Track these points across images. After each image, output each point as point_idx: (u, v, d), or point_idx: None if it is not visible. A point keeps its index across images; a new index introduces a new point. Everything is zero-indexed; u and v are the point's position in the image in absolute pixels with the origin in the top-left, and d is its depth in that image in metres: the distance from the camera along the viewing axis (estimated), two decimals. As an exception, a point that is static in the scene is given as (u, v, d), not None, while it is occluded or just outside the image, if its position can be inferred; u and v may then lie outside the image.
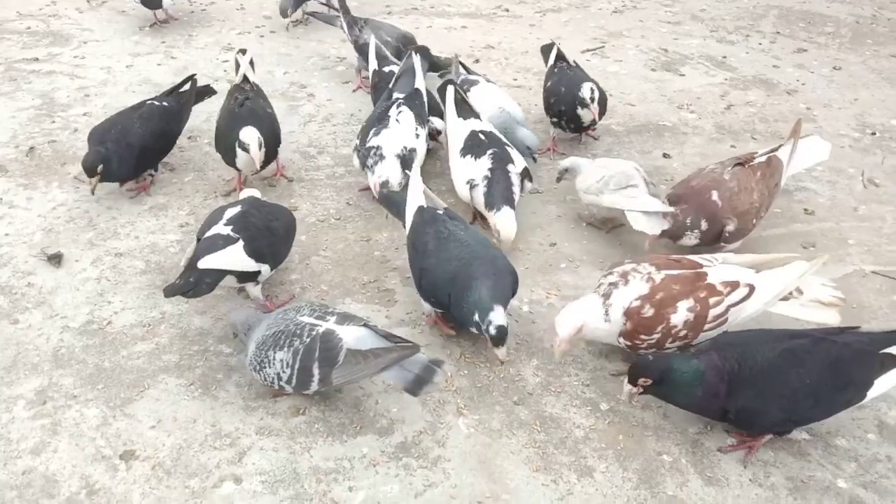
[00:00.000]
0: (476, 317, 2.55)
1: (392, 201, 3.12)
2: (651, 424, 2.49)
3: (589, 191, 3.28)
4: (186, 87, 3.83)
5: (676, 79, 4.92)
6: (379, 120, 3.47)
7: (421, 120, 3.54)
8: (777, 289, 2.55)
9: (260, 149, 3.32)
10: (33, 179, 3.68)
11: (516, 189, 3.26)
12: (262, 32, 5.12)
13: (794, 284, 2.57)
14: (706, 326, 2.52)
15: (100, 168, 3.31)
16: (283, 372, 2.38)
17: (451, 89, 3.64)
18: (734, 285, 2.53)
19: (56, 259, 3.13)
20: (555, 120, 3.94)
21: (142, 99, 3.74)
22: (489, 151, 3.32)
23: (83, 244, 3.24)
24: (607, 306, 2.52)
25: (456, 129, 3.50)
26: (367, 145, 3.38)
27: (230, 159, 3.48)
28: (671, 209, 3.02)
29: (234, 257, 2.72)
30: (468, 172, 3.31)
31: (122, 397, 2.55)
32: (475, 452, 2.39)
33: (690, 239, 3.06)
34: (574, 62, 4.14)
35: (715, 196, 3.01)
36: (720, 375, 2.26)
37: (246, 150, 3.32)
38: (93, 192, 3.39)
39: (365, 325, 2.43)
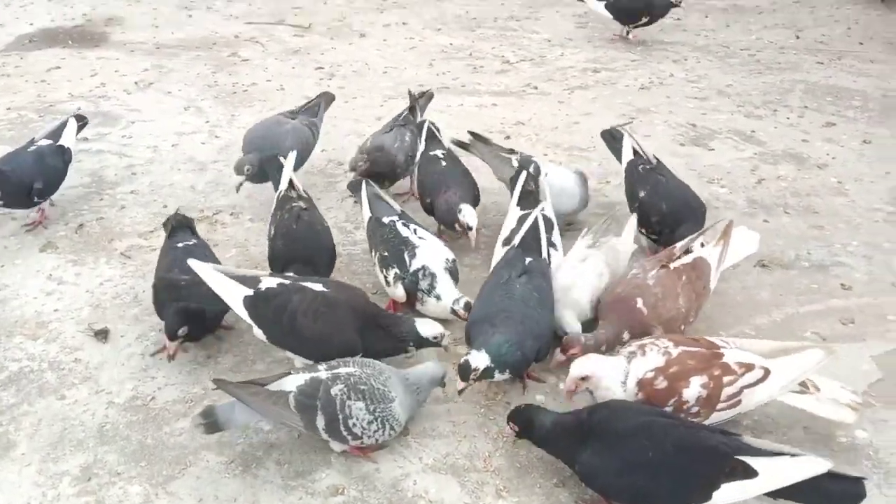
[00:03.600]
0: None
1: None
2: (695, 508, 2.44)
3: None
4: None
5: (706, 153, 4.99)
6: (403, 244, 3.31)
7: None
8: (792, 374, 2.55)
9: None
10: (82, 255, 3.81)
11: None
12: (301, 111, 5.31)
13: (811, 371, 2.58)
14: (719, 406, 2.53)
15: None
16: None
17: (524, 174, 3.64)
18: (749, 367, 2.55)
19: (102, 334, 3.21)
20: (654, 237, 3.67)
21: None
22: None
23: (129, 319, 3.33)
24: (627, 373, 2.57)
25: (509, 216, 3.53)
26: (411, 270, 3.24)
27: None
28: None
29: (227, 290, 2.80)
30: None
31: (164, 474, 2.58)
32: (516, 536, 2.36)
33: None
34: (654, 158, 3.84)
35: (640, 304, 2.91)
36: (580, 427, 2.38)
37: None
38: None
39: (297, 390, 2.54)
